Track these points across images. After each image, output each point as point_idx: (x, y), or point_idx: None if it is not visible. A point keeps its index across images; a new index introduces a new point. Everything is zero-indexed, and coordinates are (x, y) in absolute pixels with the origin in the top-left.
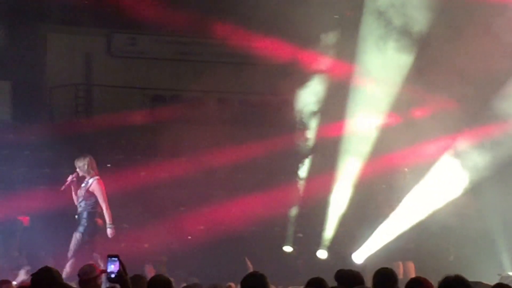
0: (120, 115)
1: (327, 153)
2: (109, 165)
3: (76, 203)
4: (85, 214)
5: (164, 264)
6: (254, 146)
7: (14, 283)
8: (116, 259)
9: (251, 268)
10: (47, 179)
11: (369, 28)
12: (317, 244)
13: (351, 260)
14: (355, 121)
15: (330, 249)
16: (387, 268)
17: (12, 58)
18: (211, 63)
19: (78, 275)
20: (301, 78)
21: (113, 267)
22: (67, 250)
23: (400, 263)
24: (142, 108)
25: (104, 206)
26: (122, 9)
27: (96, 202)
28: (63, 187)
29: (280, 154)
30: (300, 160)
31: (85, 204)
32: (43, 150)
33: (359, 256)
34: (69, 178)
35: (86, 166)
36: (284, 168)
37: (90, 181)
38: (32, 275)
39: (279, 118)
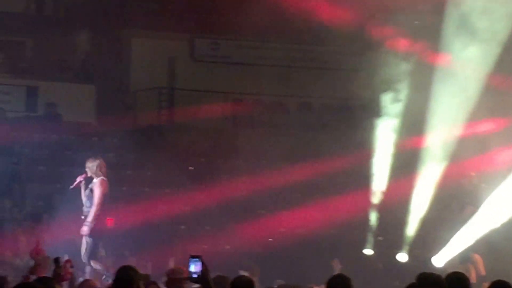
0: (201, 118)
1: (408, 157)
2: (191, 168)
3: (84, 202)
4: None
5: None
6: (334, 150)
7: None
8: (198, 259)
9: (337, 270)
10: (130, 181)
11: (452, 33)
12: (397, 247)
13: (431, 263)
14: (437, 125)
15: (410, 252)
16: (458, 272)
17: (97, 62)
18: (293, 68)
19: (167, 274)
20: (383, 82)
21: (195, 267)
22: (150, 249)
23: (472, 267)
24: (223, 112)
25: (94, 203)
26: (204, 14)
27: (103, 202)
28: (71, 186)
29: (360, 158)
30: (381, 164)
31: (90, 204)
32: (126, 152)
33: (439, 260)
34: (78, 178)
35: (95, 168)
36: (364, 171)
37: (94, 180)
38: (116, 272)
39: (360, 122)
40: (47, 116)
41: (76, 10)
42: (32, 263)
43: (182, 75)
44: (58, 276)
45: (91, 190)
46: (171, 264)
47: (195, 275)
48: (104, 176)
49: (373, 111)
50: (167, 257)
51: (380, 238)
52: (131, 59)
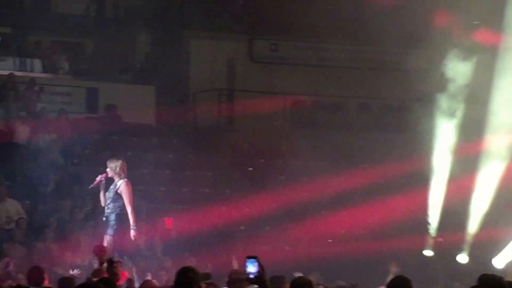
0: (260, 119)
1: (468, 157)
2: (250, 169)
3: (103, 204)
4: (113, 216)
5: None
6: (393, 150)
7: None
8: (255, 260)
9: (395, 272)
10: (190, 182)
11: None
12: (458, 249)
13: (492, 265)
14: (498, 125)
15: (470, 253)
16: None
17: (157, 63)
18: (352, 68)
19: (229, 274)
20: (443, 82)
21: (251, 268)
22: (209, 250)
23: None
24: (282, 113)
25: (129, 209)
26: (263, 15)
27: (124, 204)
28: (91, 186)
29: (420, 158)
30: (441, 164)
31: (113, 206)
32: (186, 153)
33: (500, 261)
34: (98, 178)
35: (117, 168)
36: (423, 172)
37: (119, 183)
38: (176, 273)
39: (419, 123)
40: (107, 117)
41: (136, 12)
42: (95, 262)
43: (241, 76)
44: (114, 276)
45: (116, 193)
46: (234, 265)
47: (252, 276)
48: (125, 177)
49: (433, 111)
50: (227, 258)
51: (440, 239)
52: (190, 60)
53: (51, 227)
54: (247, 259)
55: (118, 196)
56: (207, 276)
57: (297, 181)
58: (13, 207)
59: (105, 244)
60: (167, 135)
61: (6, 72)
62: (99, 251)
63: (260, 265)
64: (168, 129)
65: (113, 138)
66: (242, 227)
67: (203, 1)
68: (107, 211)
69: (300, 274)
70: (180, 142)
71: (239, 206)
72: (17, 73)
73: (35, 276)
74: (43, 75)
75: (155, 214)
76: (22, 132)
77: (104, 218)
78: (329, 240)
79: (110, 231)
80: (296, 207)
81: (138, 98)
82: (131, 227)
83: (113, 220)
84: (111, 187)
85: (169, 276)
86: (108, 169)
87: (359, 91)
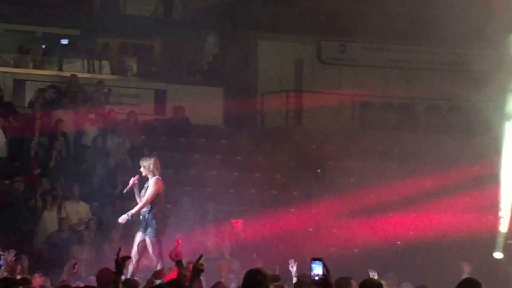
0: (328, 120)
1: None
2: (319, 170)
3: (139, 202)
4: (150, 216)
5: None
6: (462, 152)
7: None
8: (320, 262)
9: (467, 273)
10: (257, 184)
11: None
12: None
13: None
14: None
15: None
16: None
17: (225, 65)
18: (421, 70)
19: (298, 276)
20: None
21: (316, 270)
22: (277, 253)
23: None
24: (351, 114)
25: (143, 199)
26: (331, 16)
27: (157, 201)
28: (125, 190)
29: (489, 159)
30: (510, 166)
31: (149, 204)
32: (254, 155)
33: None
34: (131, 181)
35: (151, 166)
36: (493, 174)
37: (150, 180)
38: (245, 275)
39: (488, 125)
40: (175, 119)
41: (204, 13)
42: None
43: (309, 77)
44: (183, 278)
45: (146, 189)
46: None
47: (316, 278)
48: (159, 175)
49: (503, 112)
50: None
51: (510, 242)
52: (258, 61)
53: (119, 228)
54: (312, 261)
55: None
56: (276, 278)
57: (366, 183)
58: (83, 209)
59: (149, 246)
60: (234, 137)
61: (69, 74)
62: (175, 256)
63: (325, 267)
64: (235, 131)
65: (181, 140)
66: (310, 229)
67: (271, 2)
68: (144, 210)
69: (375, 274)
70: (248, 143)
71: (307, 208)
72: (86, 75)
73: (105, 278)
74: (112, 77)
75: (223, 216)
76: (91, 133)
77: (140, 217)
78: (398, 242)
79: (150, 230)
80: (364, 209)
81: (206, 100)
82: (127, 213)
83: (151, 220)
84: (145, 185)
85: (238, 278)
86: (141, 168)
87: (428, 92)
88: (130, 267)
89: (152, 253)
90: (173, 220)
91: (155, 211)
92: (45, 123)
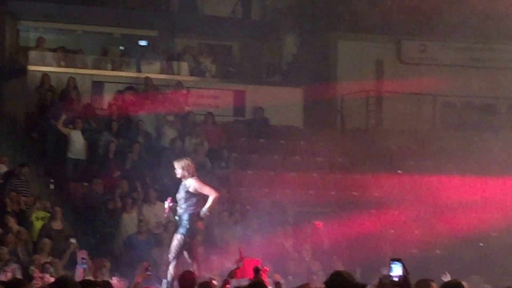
0: (409, 121)
1: None
2: (399, 171)
3: (167, 212)
4: (186, 216)
5: None
6: None
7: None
8: (399, 263)
9: None
10: (337, 185)
11: None
12: None
13: None
14: None
15: None
16: None
17: (304, 65)
18: (503, 69)
19: (380, 278)
20: None
21: (396, 270)
22: (358, 254)
23: None
24: (432, 114)
25: (212, 196)
26: (412, 15)
27: (197, 202)
28: (166, 215)
29: None
30: None
31: (186, 205)
32: (334, 156)
33: None
34: (166, 206)
35: (189, 167)
36: None
37: (188, 182)
38: (328, 278)
39: None
40: (254, 120)
41: (283, 13)
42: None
43: (390, 77)
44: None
45: (188, 192)
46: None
47: (396, 278)
48: (195, 176)
49: None
50: (376, 263)
51: None
52: (338, 61)
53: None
54: (391, 261)
55: (190, 195)
56: (361, 286)
57: (447, 183)
58: (162, 211)
59: (174, 242)
60: (314, 138)
61: (143, 75)
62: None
63: (405, 268)
64: (315, 131)
65: (260, 141)
66: (391, 231)
67: (351, 2)
68: (179, 211)
69: (448, 277)
70: (327, 144)
71: (387, 208)
72: (164, 76)
73: (187, 281)
74: (190, 78)
75: (303, 218)
76: (169, 135)
77: (176, 218)
78: (480, 244)
79: (181, 230)
80: (446, 209)
81: (286, 101)
82: (203, 209)
83: (186, 220)
84: (181, 187)
85: (319, 281)
86: (176, 170)
87: (510, 91)
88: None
89: (172, 249)
90: (252, 222)
91: (193, 213)
92: (123, 125)
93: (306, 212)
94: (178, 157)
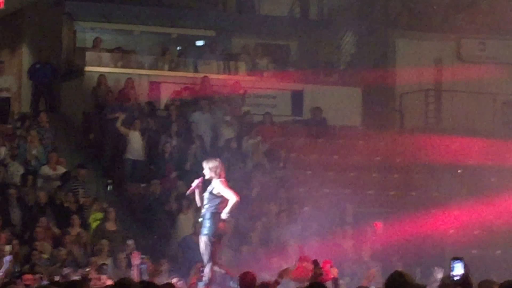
0: (469, 120)
1: None
2: (460, 171)
3: (199, 204)
4: (208, 215)
5: None
6: None
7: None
8: (460, 261)
9: None
10: (397, 185)
11: None
12: None
13: None
14: None
15: None
16: None
17: (362, 64)
18: None
19: (442, 279)
20: None
21: (457, 269)
22: (417, 255)
23: None
24: (493, 113)
25: (233, 200)
26: (471, 13)
27: (220, 203)
28: (188, 192)
29: None
30: None
31: (209, 205)
32: (393, 155)
33: None
34: (194, 184)
35: (217, 169)
36: None
37: (214, 183)
38: (387, 278)
39: None
40: (312, 120)
41: (341, 12)
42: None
43: (449, 76)
44: (318, 277)
45: (211, 193)
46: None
47: (457, 277)
48: (223, 178)
49: None
50: (436, 263)
51: None
52: (397, 60)
53: (256, 231)
54: (453, 261)
55: (213, 196)
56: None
57: (508, 183)
58: None
59: (201, 245)
60: (373, 137)
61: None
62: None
63: (466, 267)
64: (374, 131)
65: (318, 141)
66: (451, 231)
67: (409, 1)
68: (203, 211)
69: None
70: (386, 144)
71: (447, 209)
72: (221, 76)
73: (247, 281)
74: (248, 77)
75: (363, 218)
76: (226, 135)
77: (200, 219)
78: None
79: (204, 230)
80: (506, 210)
81: (344, 100)
82: (224, 211)
83: (208, 219)
84: (208, 187)
85: (378, 282)
86: (205, 170)
87: None
88: (207, 271)
89: (203, 252)
90: (311, 222)
91: (216, 212)
92: (181, 125)
93: (365, 213)
94: (236, 157)
